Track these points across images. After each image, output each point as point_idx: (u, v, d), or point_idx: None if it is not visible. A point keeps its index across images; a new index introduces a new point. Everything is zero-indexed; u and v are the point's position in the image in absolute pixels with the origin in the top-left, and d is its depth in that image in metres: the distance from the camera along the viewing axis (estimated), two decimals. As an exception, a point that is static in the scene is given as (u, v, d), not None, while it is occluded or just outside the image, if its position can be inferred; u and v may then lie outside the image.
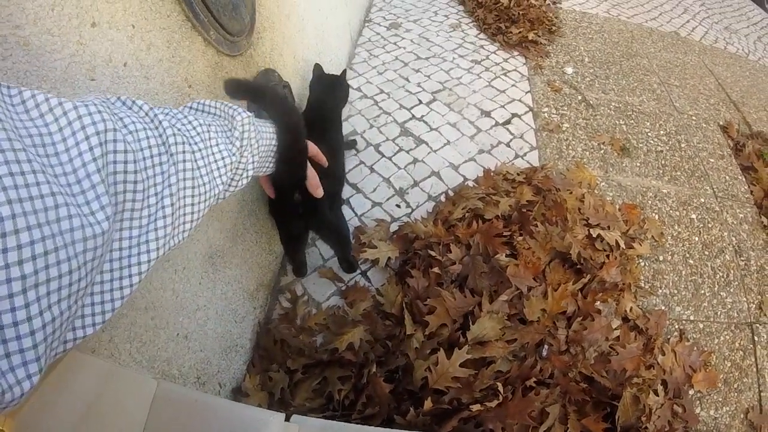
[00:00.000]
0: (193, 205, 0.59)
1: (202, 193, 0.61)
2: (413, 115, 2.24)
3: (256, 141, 0.76)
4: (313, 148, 1.03)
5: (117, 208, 0.47)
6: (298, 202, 1.13)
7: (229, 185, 0.71)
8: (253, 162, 0.75)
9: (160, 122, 0.56)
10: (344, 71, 1.71)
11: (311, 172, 1.02)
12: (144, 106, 0.56)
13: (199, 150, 0.61)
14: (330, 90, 1.63)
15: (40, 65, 0.61)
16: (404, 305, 1.41)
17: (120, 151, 0.47)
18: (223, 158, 0.65)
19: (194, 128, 0.62)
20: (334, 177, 1.42)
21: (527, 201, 1.67)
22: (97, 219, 0.42)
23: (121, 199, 0.48)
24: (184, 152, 0.57)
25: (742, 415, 1.47)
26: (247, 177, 0.75)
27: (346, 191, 1.87)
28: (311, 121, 1.33)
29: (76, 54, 0.67)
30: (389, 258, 1.60)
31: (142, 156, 0.50)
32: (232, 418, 0.73)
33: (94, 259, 0.42)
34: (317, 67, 1.66)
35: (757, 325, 1.68)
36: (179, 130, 0.59)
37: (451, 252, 1.49)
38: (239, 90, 0.97)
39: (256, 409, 0.75)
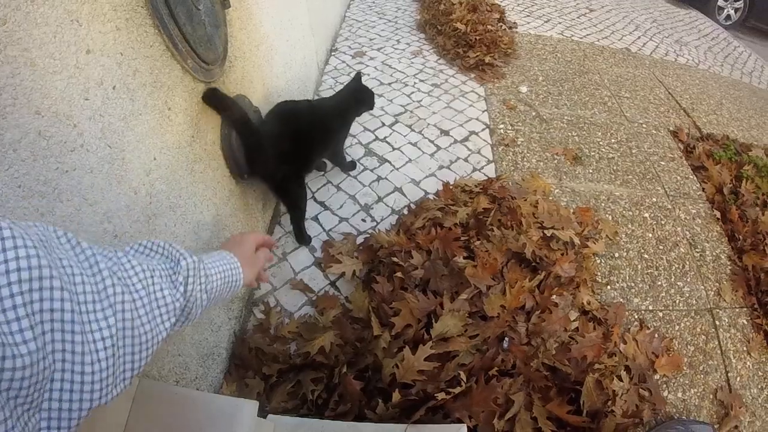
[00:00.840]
0: (134, 353, 0.57)
1: (144, 342, 0.58)
2: (377, 137, 2.36)
3: (205, 284, 0.72)
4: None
5: (51, 347, 0.46)
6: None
7: (176, 324, 0.69)
8: (203, 300, 0.72)
9: (100, 270, 0.54)
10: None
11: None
12: (87, 250, 0.55)
13: (140, 298, 0.59)
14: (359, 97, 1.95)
15: (44, 84, 0.69)
16: (371, 309, 1.47)
17: (56, 288, 0.46)
18: (166, 303, 0.63)
19: (137, 274, 0.60)
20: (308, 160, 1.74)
21: (483, 209, 1.76)
22: (20, 351, 0.41)
23: (58, 338, 0.47)
24: (123, 302, 0.55)
25: (711, 396, 1.53)
26: (200, 312, 0.73)
27: (314, 209, 1.98)
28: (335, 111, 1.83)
29: (73, 76, 0.76)
30: (354, 271, 1.67)
31: (77, 300, 0.49)
32: (210, 407, 0.77)
33: (16, 390, 0.41)
34: (358, 75, 1.98)
35: (718, 310, 1.75)
36: (119, 278, 0.57)
37: (413, 258, 1.57)
38: (213, 98, 1.25)
39: (231, 398, 0.80)
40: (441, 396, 1.21)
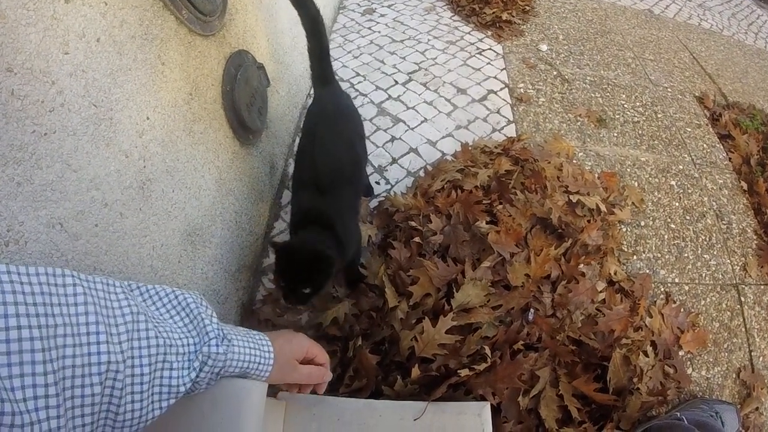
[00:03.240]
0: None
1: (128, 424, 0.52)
2: (389, 96, 2.22)
3: (220, 370, 0.64)
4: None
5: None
6: None
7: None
8: (209, 385, 0.65)
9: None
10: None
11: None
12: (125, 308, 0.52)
13: (142, 374, 0.53)
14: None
15: (15, 37, 0.61)
16: (387, 277, 1.37)
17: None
18: (170, 387, 0.56)
19: (149, 347, 0.54)
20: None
21: (506, 171, 1.65)
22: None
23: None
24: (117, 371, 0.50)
25: (734, 375, 1.47)
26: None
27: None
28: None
29: (50, 28, 0.67)
30: (370, 236, 1.57)
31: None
32: (214, 390, 0.69)
33: None
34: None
35: (743, 286, 1.68)
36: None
37: (431, 222, 1.46)
38: None
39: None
40: (464, 373, 1.12)
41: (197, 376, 0.60)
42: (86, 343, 0.47)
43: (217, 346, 0.61)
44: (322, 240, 1.13)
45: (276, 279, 1.18)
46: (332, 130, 1.32)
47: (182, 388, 0.57)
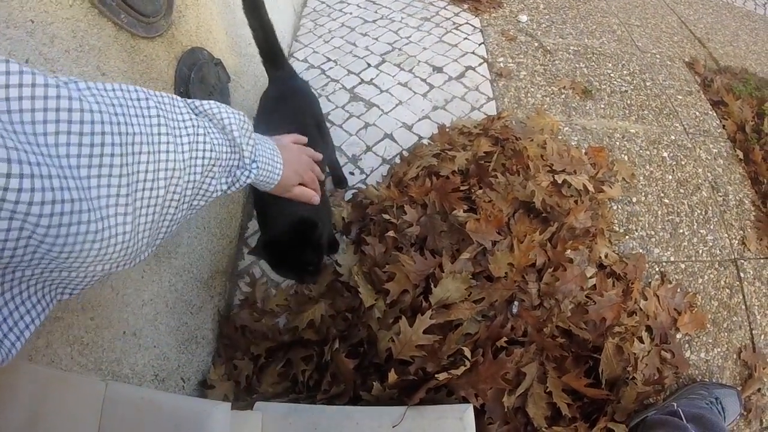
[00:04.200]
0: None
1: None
2: (362, 80, 2.11)
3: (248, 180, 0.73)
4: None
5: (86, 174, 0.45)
6: None
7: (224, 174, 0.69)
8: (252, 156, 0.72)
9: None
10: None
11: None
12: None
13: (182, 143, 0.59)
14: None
15: None
16: (360, 275, 1.29)
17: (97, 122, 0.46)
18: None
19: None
20: None
21: (485, 152, 1.55)
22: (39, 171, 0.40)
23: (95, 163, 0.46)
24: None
25: (734, 356, 1.40)
26: (247, 178, 0.73)
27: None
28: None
29: None
30: (343, 218, 1.50)
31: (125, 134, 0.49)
32: (177, 412, 0.70)
33: (30, 230, 0.40)
34: None
35: (742, 261, 1.59)
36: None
37: (406, 213, 1.37)
38: None
39: (201, 400, 0.71)
40: (443, 376, 1.04)
41: (228, 189, 0.70)
42: (157, 151, 0.53)
43: (249, 172, 0.72)
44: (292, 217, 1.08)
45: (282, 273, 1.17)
46: (287, 114, 1.27)
47: (216, 194, 0.67)
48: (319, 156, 1.02)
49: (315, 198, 0.96)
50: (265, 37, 1.32)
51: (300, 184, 0.92)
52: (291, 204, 0.98)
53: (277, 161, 0.80)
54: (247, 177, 0.71)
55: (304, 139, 1.01)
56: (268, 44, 1.33)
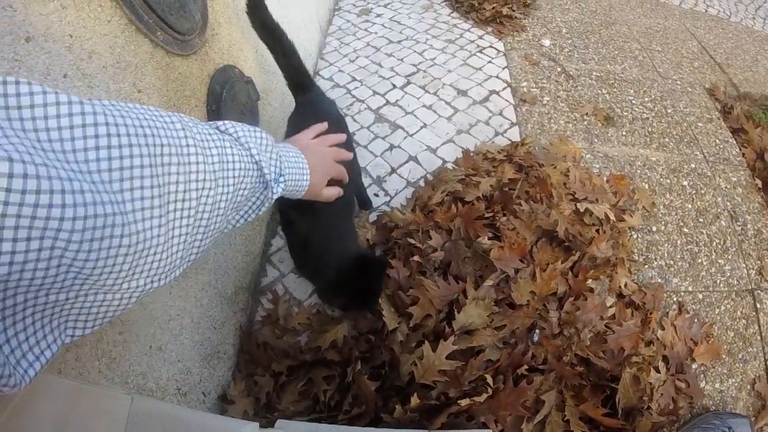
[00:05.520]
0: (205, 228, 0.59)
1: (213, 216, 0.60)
2: (387, 101, 2.15)
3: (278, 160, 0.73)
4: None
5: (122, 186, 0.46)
6: None
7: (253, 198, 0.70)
8: (277, 175, 0.72)
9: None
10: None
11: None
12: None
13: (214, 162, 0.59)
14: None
15: None
16: (384, 297, 1.32)
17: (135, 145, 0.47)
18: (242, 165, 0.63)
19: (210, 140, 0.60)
20: None
21: (509, 179, 1.59)
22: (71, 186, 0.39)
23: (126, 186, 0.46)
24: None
25: (748, 386, 1.41)
26: (274, 195, 0.73)
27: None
28: None
29: (12, 71, 0.65)
30: (368, 240, 1.54)
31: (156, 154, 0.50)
32: (206, 430, 0.68)
33: (60, 250, 0.39)
34: None
35: (759, 291, 1.61)
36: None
37: (431, 238, 1.41)
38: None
39: (228, 419, 0.70)
40: (465, 402, 1.08)
41: (260, 203, 0.71)
42: (187, 162, 0.53)
43: (277, 185, 0.72)
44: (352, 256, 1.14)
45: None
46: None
47: (250, 210, 0.70)
48: (350, 155, 1.02)
49: (343, 183, 0.98)
50: (289, 61, 1.32)
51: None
52: (338, 239, 1.02)
53: (304, 170, 0.80)
54: (274, 192, 0.71)
55: (324, 126, 1.01)
56: (292, 68, 1.33)
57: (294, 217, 1.18)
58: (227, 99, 1.29)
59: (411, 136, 1.98)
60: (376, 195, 1.76)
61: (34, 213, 0.34)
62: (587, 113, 2.09)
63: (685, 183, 1.87)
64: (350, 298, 1.11)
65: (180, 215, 0.52)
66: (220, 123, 0.66)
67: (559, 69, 2.35)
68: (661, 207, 1.77)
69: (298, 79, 1.35)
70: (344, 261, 1.09)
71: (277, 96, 1.76)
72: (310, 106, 1.35)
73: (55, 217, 0.36)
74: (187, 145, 0.53)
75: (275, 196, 0.72)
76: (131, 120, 0.46)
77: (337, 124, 1.35)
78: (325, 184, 0.91)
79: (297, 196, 0.83)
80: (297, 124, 1.31)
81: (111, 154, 0.43)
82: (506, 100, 2.15)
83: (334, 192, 0.94)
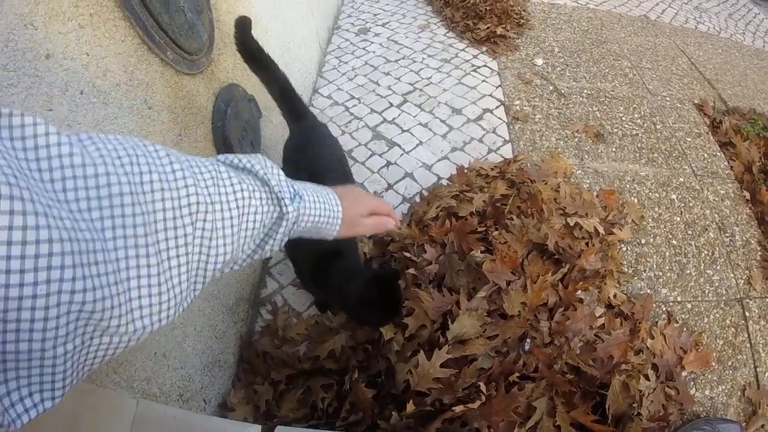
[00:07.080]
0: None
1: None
2: (384, 119, 2.23)
3: (293, 226, 0.66)
4: None
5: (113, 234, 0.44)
6: None
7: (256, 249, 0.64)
8: (281, 241, 0.66)
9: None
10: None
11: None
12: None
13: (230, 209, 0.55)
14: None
15: None
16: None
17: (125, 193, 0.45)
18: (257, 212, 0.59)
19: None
20: None
21: (501, 195, 1.64)
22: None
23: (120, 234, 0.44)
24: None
25: (739, 393, 1.45)
26: (274, 249, 0.67)
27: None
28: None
29: (32, 86, 0.68)
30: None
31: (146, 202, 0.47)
32: None
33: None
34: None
35: (747, 300, 1.65)
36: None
37: (426, 252, 1.46)
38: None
39: (231, 422, 0.74)
40: (459, 408, 1.12)
41: (276, 227, 0.63)
42: (175, 188, 0.49)
43: (290, 197, 0.64)
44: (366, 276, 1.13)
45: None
46: (312, 161, 1.28)
47: (267, 240, 0.63)
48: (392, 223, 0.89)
49: (392, 220, 0.86)
50: (282, 92, 1.32)
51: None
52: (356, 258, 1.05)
53: (330, 195, 0.73)
54: (288, 209, 0.63)
55: (388, 210, 0.87)
56: (286, 98, 1.33)
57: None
58: (231, 116, 1.35)
59: (407, 153, 2.05)
60: (374, 211, 1.80)
61: (51, 279, 0.34)
62: (578, 130, 2.15)
63: (674, 196, 1.93)
64: (383, 312, 1.13)
65: (175, 243, 0.48)
66: (219, 156, 0.62)
67: (551, 87, 2.42)
68: (650, 220, 1.82)
69: (293, 108, 1.36)
70: (365, 278, 1.10)
71: (277, 114, 1.78)
72: (305, 134, 1.35)
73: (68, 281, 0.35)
74: (173, 171, 0.49)
75: (292, 212, 0.63)
76: (107, 151, 0.44)
77: (332, 149, 1.35)
78: (365, 214, 0.80)
79: (333, 229, 0.73)
80: (292, 152, 1.33)
81: (87, 184, 0.41)
82: (499, 118, 2.22)
83: (380, 221, 0.83)
